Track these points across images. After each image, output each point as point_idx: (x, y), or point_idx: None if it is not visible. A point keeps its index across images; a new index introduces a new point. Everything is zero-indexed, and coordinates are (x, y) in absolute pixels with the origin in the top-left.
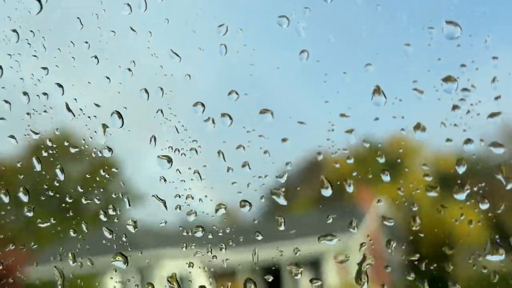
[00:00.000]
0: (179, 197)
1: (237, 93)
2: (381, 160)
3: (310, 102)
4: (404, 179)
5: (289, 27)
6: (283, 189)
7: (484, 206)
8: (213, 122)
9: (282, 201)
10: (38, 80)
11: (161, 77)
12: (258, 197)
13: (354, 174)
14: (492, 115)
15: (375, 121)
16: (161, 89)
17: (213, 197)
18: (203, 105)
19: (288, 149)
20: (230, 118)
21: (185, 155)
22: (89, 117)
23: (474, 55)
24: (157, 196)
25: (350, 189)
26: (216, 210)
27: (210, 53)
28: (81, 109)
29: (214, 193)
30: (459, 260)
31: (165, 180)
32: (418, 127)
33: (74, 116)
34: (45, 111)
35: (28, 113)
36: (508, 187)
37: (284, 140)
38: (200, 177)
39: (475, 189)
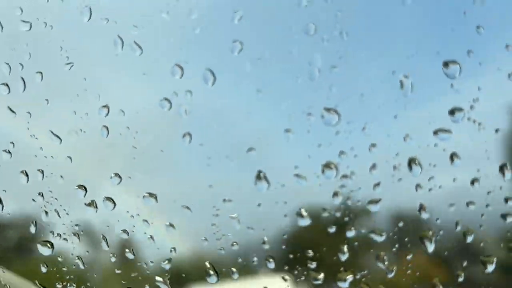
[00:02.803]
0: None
1: (119, 177)
2: (266, 247)
3: (194, 186)
4: None
5: (172, 109)
6: (169, 276)
7: None
8: (96, 206)
9: None
10: None
11: (41, 159)
12: (144, 285)
13: (239, 260)
14: (372, 201)
15: (257, 207)
16: (41, 171)
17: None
18: (85, 188)
19: (173, 235)
20: (113, 202)
21: (67, 240)
22: None
23: (353, 142)
24: (39, 284)
25: (235, 277)
26: None
27: (92, 135)
28: None
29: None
30: None
31: (47, 266)
32: (300, 213)
33: None
34: None
35: None
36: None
37: (169, 225)
38: (83, 264)
39: (358, 276)
